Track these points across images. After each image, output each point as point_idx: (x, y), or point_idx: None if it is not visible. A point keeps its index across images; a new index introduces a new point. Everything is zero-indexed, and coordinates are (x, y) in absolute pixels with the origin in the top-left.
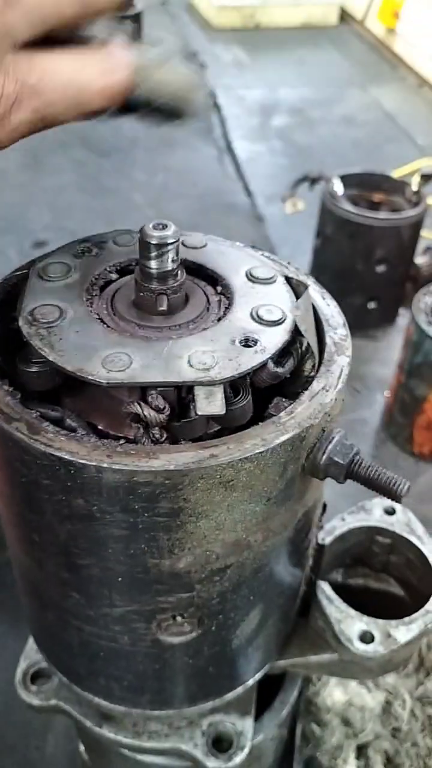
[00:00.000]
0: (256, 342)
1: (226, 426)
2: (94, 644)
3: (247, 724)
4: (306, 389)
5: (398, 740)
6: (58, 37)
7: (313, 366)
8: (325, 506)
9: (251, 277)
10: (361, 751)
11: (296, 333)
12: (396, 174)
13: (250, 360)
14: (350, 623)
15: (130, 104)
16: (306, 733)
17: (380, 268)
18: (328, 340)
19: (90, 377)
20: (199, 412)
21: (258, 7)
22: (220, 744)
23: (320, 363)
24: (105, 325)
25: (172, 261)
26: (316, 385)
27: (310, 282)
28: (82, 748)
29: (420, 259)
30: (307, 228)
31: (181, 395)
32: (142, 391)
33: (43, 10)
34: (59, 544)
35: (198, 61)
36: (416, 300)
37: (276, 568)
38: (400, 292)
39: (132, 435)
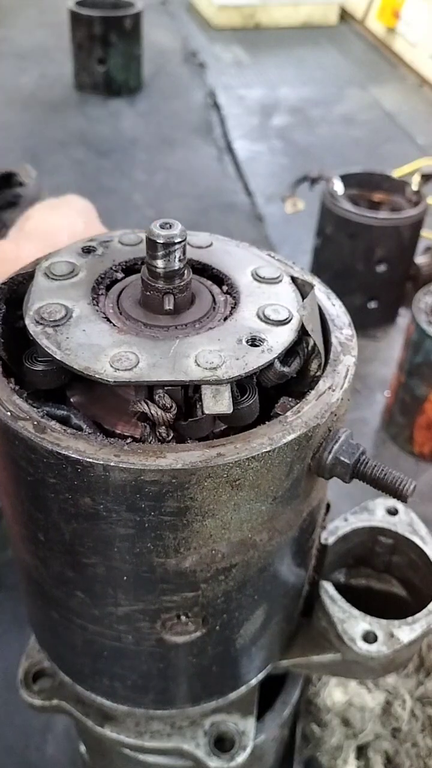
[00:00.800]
0: (262, 341)
1: (233, 425)
2: (98, 643)
3: (249, 724)
4: (312, 389)
5: (398, 740)
6: None
7: (319, 365)
8: (328, 506)
9: (257, 277)
10: (361, 751)
11: (302, 332)
12: (396, 174)
13: (256, 359)
14: (353, 623)
15: None
16: (306, 733)
17: (380, 268)
18: (333, 340)
19: (97, 376)
20: (206, 411)
21: (258, 7)
22: (222, 744)
23: (326, 363)
24: (111, 324)
25: (179, 260)
26: (322, 385)
27: (316, 282)
28: (83, 748)
29: (420, 259)
30: (307, 228)
31: (188, 394)
32: (149, 390)
33: None
34: (65, 542)
35: (198, 60)
36: (416, 300)
37: (280, 567)
38: (400, 292)
39: (138, 434)
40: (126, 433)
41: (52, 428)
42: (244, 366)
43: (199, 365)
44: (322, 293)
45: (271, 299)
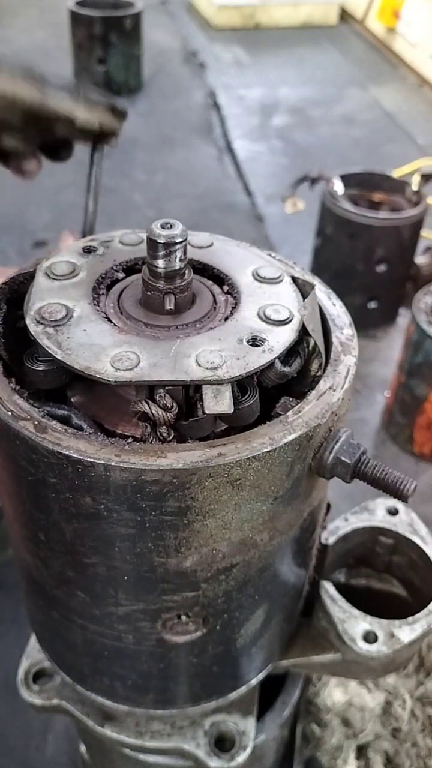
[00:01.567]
0: (263, 341)
1: (234, 425)
2: (99, 643)
3: (249, 724)
4: (313, 389)
5: (398, 740)
6: None
7: (320, 365)
8: (329, 506)
9: (258, 277)
10: (361, 751)
11: (303, 332)
12: (396, 174)
13: (257, 359)
14: (354, 623)
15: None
16: (306, 733)
17: (380, 268)
18: (334, 340)
19: (98, 376)
20: (207, 411)
21: (258, 7)
22: (223, 744)
23: (327, 363)
24: (112, 324)
25: (180, 260)
26: (323, 385)
27: (317, 282)
28: (83, 748)
29: (420, 259)
30: (307, 228)
31: (189, 394)
32: (150, 389)
33: None
34: (65, 542)
35: (198, 60)
36: (416, 300)
37: (281, 567)
38: (400, 292)
39: (139, 434)
40: (127, 433)
41: (52, 428)
42: (244, 366)
43: (199, 365)
44: (322, 293)
45: (271, 299)
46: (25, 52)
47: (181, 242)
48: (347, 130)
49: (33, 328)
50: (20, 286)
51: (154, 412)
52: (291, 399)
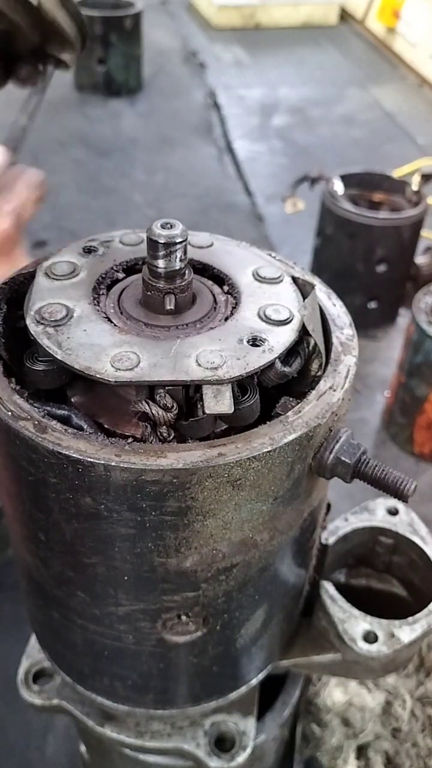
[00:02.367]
0: (263, 341)
1: (234, 425)
2: (99, 643)
3: (249, 724)
4: (313, 389)
5: (398, 740)
6: None
7: (320, 366)
8: (329, 506)
9: (258, 277)
10: (361, 751)
11: (303, 333)
12: (396, 174)
13: (257, 359)
14: (354, 623)
15: None
16: (306, 733)
17: (380, 268)
18: (334, 340)
19: (98, 376)
20: (207, 411)
21: (258, 7)
22: (223, 744)
23: (327, 363)
24: (112, 324)
25: (180, 260)
26: (323, 385)
27: (317, 282)
28: (83, 748)
29: (420, 259)
30: (307, 228)
31: (189, 394)
32: (150, 390)
33: None
34: (65, 542)
35: (198, 60)
36: (416, 300)
37: (281, 567)
38: (401, 292)
39: (139, 434)
40: (127, 433)
41: (52, 428)
42: (245, 366)
43: (200, 365)
44: (322, 293)
45: (272, 299)
46: None
47: (181, 242)
48: (347, 130)
49: (33, 328)
50: (20, 286)
51: (154, 412)
52: (291, 399)
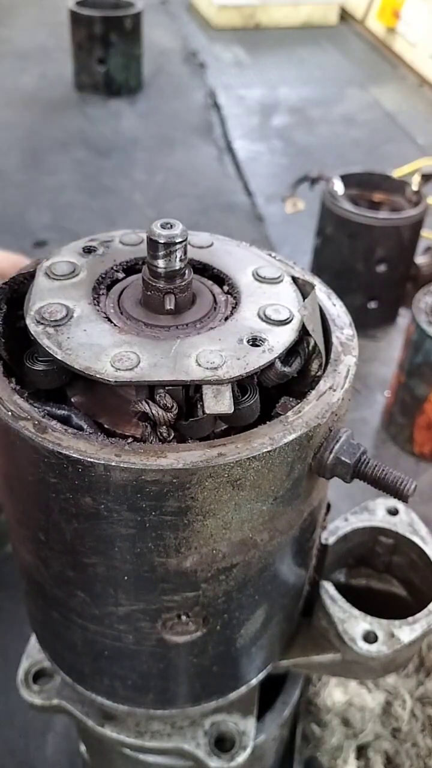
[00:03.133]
0: (263, 341)
1: (234, 425)
2: (99, 643)
3: (249, 724)
4: (313, 389)
5: (398, 740)
6: None
7: (320, 365)
8: (329, 506)
9: (258, 277)
10: (361, 751)
11: (303, 332)
12: (396, 174)
13: (257, 359)
14: (354, 623)
15: None
16: (306, 733)
17: (380, 268)
18: (334, 340)
19: (98, 376)
20: (207, 411)
21: (258, 7)
22: (223, 744)
23: (327, 363)
24: (112, 324)
25: (180, 260)
26: (323, 385)
27: (317, 282)
28: (83, 748)
29: (420, 259)
30: (307, 228)
31: (189, 394)
32: (150, 390)
33: None
34: (65, 542)
35: (198, 60)
36: (416, 300)
37: (281, 567)
38: (400, 292)
39: (139, 434)
40: (127, 433)
41: (53, 428)
42: (245, 366)
43: (200, 365)
44: (322, 293)
45: (271, 299)
46: (25, 52)
47: (181, 242)
48: (347, 130)
49: (33, 328)
50: (20, 286)
51: (154, 412)
52: (291, 399)
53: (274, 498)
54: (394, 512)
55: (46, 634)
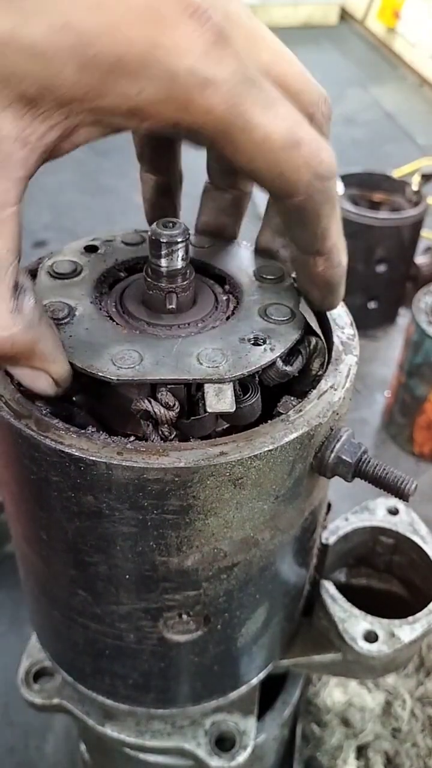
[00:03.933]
0: (265, 340)
1: (236, 424)
2: (100, 642)
3: (250, 724)
4: (314, 388)
5: (398, 740)
6: None
7: (321, 365)
8: (329, 506)
9: (259, 277)
10: (361, 751)
11: (304, 332)
12: (396, 174)
13: (259, 358)
14: (354, 623)
15: None
16: (306, 733)
17: (380, 268)
18: (335, 340)
19: (100, 374)
20: (209, 410)
21: (258, 7)
22: (223, 743)
23: (328, 362)
24: (114, 323)
25: (182, 259)
26: (324, 384)
27: None
28: (83, 747)
29: (420, 259)
30: None
31: (191, 393)
32: (152, 388)
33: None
34: (67, 541)
35: None
36: (416, 300)
37: (282, 566)
38: (400, 292)
39: (141, 432)
40: (128, 432)
41: (55, 426)
42: (246, 365)
43: (201, 363)
44: None
45: (273, 298)
46: None
47: (182, 242)
48: (347, 130)
49: None
50: None
51: (156, 410)
52: (292, 398)
53: (276, 497)
54: (394, 512)
55: (46, 633)
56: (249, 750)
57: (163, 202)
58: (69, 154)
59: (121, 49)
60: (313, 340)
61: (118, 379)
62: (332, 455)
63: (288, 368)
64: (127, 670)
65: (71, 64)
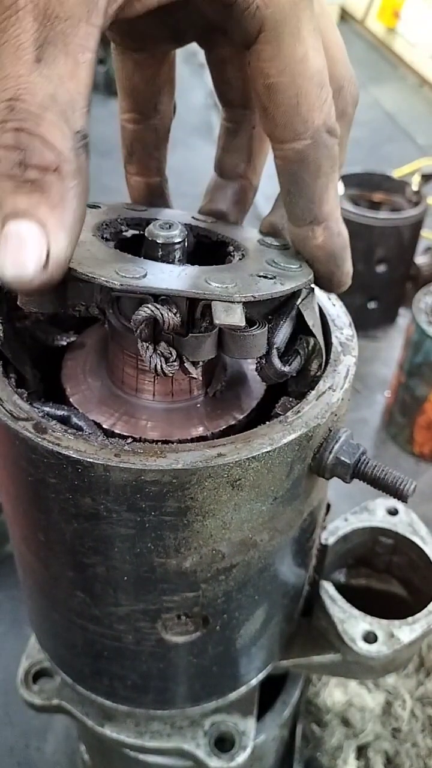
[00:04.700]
0: (274, 277)
1: (236, 356)
2: (99, 643)
3: (249, 724)
4: (312, 389)
5: (398, 740)
6: None
7: (320, 366)
8: (328, 506)
9: (265, 243)
10: (361, 751)
11: (302, 332)
12: (396, 174)
13: (269, 287)
14: (353, 623)
15: None
16: (306, 733)
17: (380, 268)
18: (334, 340)
19: (102, 279)
20: (217, 322)
21: None
22: (223, 744)
23: (326, 363)
24: (117, 250)
25: (179, 261)
26: (322, 385)
27: None
28: (82, 748)
29: (420, 259)
30: None
31: (194, 316)
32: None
33: None
34: (65, 543)
35: (198, 61)
36: (416, 300)
37: (281, 567)
38: (400, 292)
39: (137, 434)
40: (125, 433)
41: (52, 428)
42: (257, 290)
43: (210, 284)
44: (322, 293)
45: (279, 257)
46: None
47: (179, 242)
48: None
49: None
50: None
51: (162, 313)
52: (290, 399)
53: (274, 498)
54: (393, 512)
55: (45, 634)
56: (248, 750)
57: (155, 203)
58: None
59: None
60: (311, 340)
61: (121, 286)
62: (331, 456)
63: (286, 368)
64: (126, 671)
65: None
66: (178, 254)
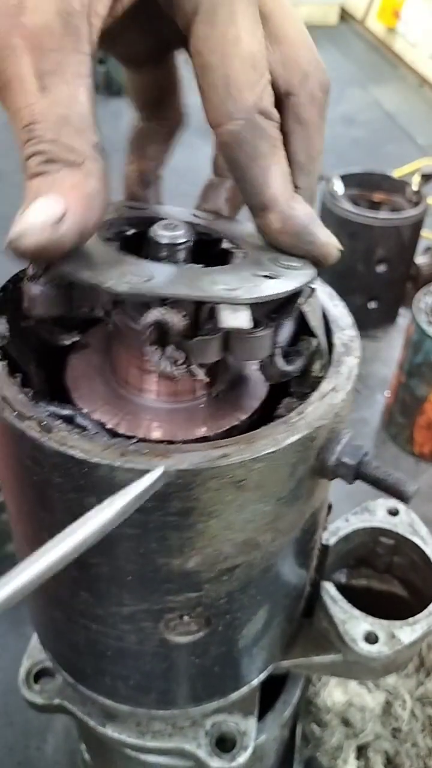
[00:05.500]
0: (278, 277)
1: (242, 358)
2: (101, 643)
3: (250, 724)
4: (315, 389)
5: (398, 741)
6: None
7: (322, 366)
8: (330, 507)
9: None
10: (361, 751)
11: (304, 332)
12: (396, 174)
13: (274, 287)
14: (355, 624)
15: None
16: (306, 733)
17: (380, 268)
18: (336, 341)
19: (105, 286)
20: (223, 325)
21: None
22: (224, 744)
23: (329, 364)
24: (119, 251)
25: (183, 261)
26: (325, 386)
27: (318, 282)
28: (83, 747)
29: (420, 259)
30: None
31: (199, 319)
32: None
33: None
34: None
35: None
36: (416, 300)
37: (283, 568)
38: (401, 292)
39: (141, 433)
40: (129, 433)
41: (57, 428)
42: (262, 291)
43: (215, 285)
44: (324, 294)
45: (281, 255)
46: None
47: (184, 243)
48: (347, 130)
49: None
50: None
51: (168, 318)
52: (294, 400)
53: (277, 499)
54: (394, 513)
55: (48, 633)
56: (249, 750)
57: (146, 195)
58: None
59: None
60: (314, 341)
61: (128, 289)
62: (333, 457)
63: (289, 368)
64: (128, 671)
65: None
66: (182, 255)
